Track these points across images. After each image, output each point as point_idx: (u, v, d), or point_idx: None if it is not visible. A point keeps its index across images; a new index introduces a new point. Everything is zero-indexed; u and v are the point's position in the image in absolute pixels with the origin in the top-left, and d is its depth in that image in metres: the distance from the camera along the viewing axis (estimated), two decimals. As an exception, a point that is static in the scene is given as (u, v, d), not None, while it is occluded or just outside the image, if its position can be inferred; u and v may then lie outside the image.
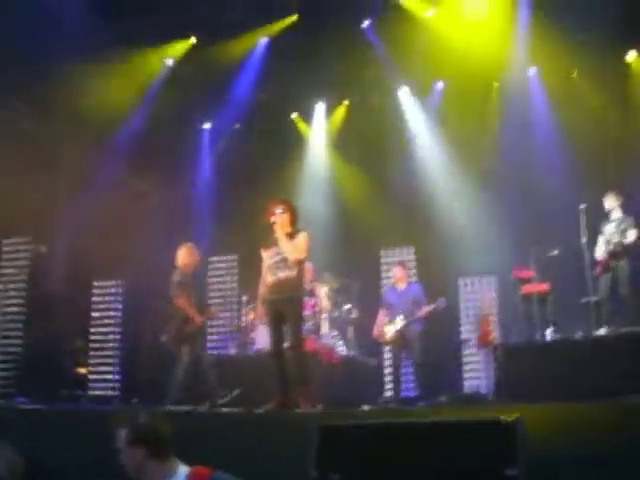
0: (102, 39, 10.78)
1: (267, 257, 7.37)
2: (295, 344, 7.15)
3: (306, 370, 7.22)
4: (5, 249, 11.85)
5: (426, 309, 9.67)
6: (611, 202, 9.45)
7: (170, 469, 3.85)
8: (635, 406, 5.35)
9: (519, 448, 3.34)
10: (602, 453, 4.38)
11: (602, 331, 8.77)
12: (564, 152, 11.62)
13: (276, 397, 6.97)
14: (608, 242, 9.27)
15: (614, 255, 9.16)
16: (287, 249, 7.16)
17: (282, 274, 7.18)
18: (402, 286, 10.08)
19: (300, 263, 7.23)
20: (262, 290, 7.43)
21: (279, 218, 7.24)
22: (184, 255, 8.96)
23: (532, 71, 12.23)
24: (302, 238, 7.24)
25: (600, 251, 9.36)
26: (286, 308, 7.15)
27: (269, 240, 7.36)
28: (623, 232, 9.21)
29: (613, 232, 9.32)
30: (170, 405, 8.24)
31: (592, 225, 9.52)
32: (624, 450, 4.35)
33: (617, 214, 9.41)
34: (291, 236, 7.24)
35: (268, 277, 7.30)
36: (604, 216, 9.52)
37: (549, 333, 9.29)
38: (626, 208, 9.43)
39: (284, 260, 7.19)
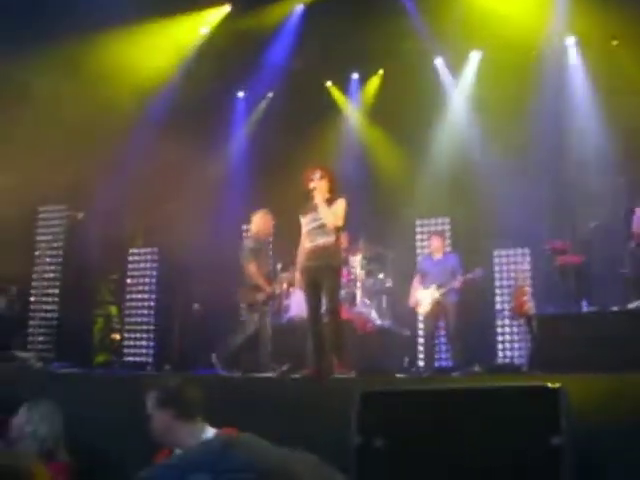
0: (136, 6, 10.75)
1: (305, 223, 7.36)
2: (332, 311, 7.17)
3: (341, 337, 7.24)
4: (42, 216, 11.96)
5: (463, 279, 9.62)
6: None
7: (197, 432, 3.90)
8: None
9: (564, 416, 3.32)
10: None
11: (637, 303, 8.69)
12: (603, 123, 11.47)
13: (312, 364, 7.01)
14: None
15: None
16: (325, 215, 7.16)
17: (321, 240, 7.18)
18: (439, 256, 10.02)
19: (338, 230, 7.22)
20: (300, 257, 7.43)
21: (317, 184, 7.24)
22: (259, 221, 8.96)
23: (571, 40, 12.02)
24: (340, 204, 7.22)
25: (637, 223, 9.25)
26: (323, 275, 7.15)
27: (306, 206, 7.36)
28: None
29: None
30: (218, 365, 8.28)
31: (631, 198, 9.42)
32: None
33: None
34: (329, 202, 7.23)
35: (306, 243, 7.30)
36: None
37: (584, 305, 9.23)
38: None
39: (322, 226, 7.18)
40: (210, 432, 3.95)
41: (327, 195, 7.28)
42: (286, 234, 9.58)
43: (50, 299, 11.62)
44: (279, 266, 11.32)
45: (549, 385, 3.37)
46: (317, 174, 7.29)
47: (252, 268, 8.64)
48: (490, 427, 3.41)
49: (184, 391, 3.99)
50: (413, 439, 3.46)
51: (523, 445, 3.31)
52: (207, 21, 12.24)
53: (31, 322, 11.45)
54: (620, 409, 4.65)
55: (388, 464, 3.52)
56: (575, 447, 3.62)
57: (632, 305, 8.69)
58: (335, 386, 6.25)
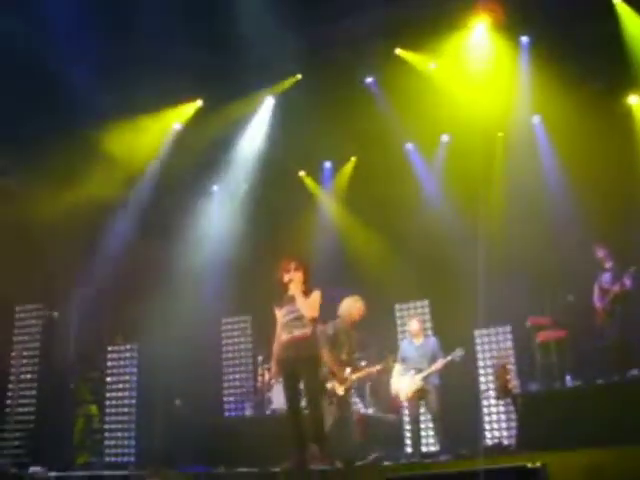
0: (108, 105, 10.91)
1: (281, 315, 7.37)
2: (312, 402, 7.09)
3: (322, 428, 7.14)
4: (18, 316, 11.85)
5: (444, 361, 9.56)
6: (599, 253, 9.65)
7: None
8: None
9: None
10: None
11: (634, 372, 8.75)
12: (574, 198, 11.63)
13: (293, 456, 6.87)
14: (606, 291, 9.36)
15: (614, 302, 9.24)
16: (303, 307, 7.18)
17: (298, 332, 7.18)
18: (419, 340, 9.96)
19: (314, 321, 7.25)
20: (276, 349, 7.39)
21: (293, 276, 7.29)
22: (350, 307, 8.73)
23: (536, 118, 12.29)
24: (315, 296, 7.28)
25: (597, 300, 9.50)
26: (302, 367, 7.11)
27: (282, 298, 7.39)
28: (618, 279, 9.36)
29: (609, 281, 9.47)
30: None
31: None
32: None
33: (609, 263, 9.58)
34: (305, 294, 7.26)
35: (283, 335, 7.29)
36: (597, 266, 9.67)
37: (569, 379, 9.19)
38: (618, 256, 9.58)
39: (299, 318, 7.20)
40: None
41: (303, 287, 7.31)
42: (265, 327, 9.57)
43: (27, 401, 11.40)
44: (260, 358, 11.27)
45: (529, 465, 3.33)
46: (292, 265, 7.34)
47: (325, 354, 8.19)
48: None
49: None
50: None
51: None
52: (180, 116, 12.39)
53: (7, 426, 11.20)
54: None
55: None
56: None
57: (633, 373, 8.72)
58: (318, 477, 6.12)
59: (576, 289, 9.82)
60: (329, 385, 8.32)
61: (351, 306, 8.77)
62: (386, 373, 9.43)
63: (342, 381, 8.40)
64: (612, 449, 5.75)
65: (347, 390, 8.46)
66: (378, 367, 8.98)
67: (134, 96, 10.96)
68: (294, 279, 7.28)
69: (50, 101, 10.21)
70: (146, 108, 11.59)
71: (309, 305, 7.18)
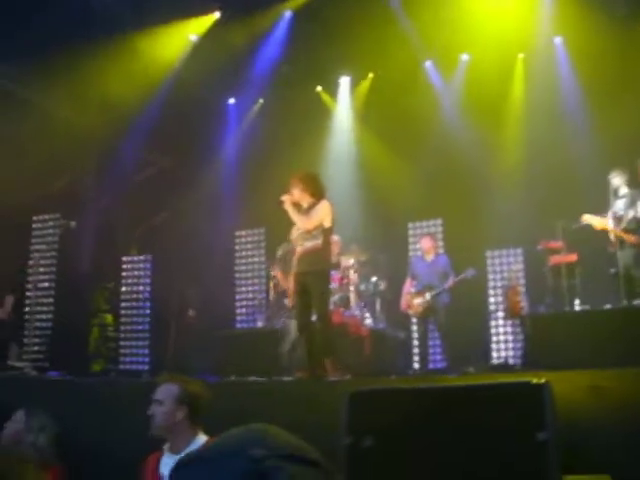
0: (126, 16, 10.81)
1: (295, 228, 7.41)
2: (321, 317, 7.19)
3: (333, 342, 7.25)
4: (35, 225, 11.97)
5: (455, 279, 9.65)
6: (616, 180, 9.52)
7: (193, 436, 3.96)
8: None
9: (548, 412, 3.34)
10: (632, 419, 4.40)
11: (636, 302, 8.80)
12: (591, 123, 11.53)
13: (305, 368, 7.03)
14: (620, 219, 9.30)
15: (628, 231, 9.20)
16: (297, 220, 7.24)
17: (308, 244, 7.20)
18: (430, 257, 10.05)
19: (326, 232, 7.21)
20: (293, 261, 7.47)
21: (295, 195, 7.28)
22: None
23: (558, 40, 12.09)
24: (321, 207, 7.24)
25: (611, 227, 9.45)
26: (311, 281, 7.16)
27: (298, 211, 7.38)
28: (633, 206, 9.27)
29: (623, 207, 9.38)
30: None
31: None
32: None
33: (624, 190, 9.47)
34: (311, 207, 7.26)
35: (297, 248, 7.35)
36: (612, 193, 9.58)
37: (577, 304, 9.28)
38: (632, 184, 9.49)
39: (308, 230, 7.21)
40: (202, 439, 4.01)
41: (309, 200, 7.30)
42: (278, 240, 9.66)
43: (45, 308, 11.60)
44: (272, 271, 11.37)
45: (533, 381, 3.40)
46: (294, 186, 7.33)
47: (278, 274, 9.05)
48: (476, 424, 3.44)
49: (202, 397, 4.05)
50: (401, 438, 3.49)
51: (509, 441, 3.34)
52: (196, 28, 12.25)
53: (26, 332, 11.44)
54: (611, 404, 4.71)
55: (377, 463, 3.55)
56: (562, 443, 3.66)
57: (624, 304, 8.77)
58: (327, 388, 6.28)
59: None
60: (285, 302, 8.77)
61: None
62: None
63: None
64: (614, 370, 5.87)
65: None
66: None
67: (152, 7, 10.86)
68: (292, 197, 7.28)
69: (65, 11, 10.10)
70: (163, 18, 11.48)
71: (305, 218, 7.19)
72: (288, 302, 8.61)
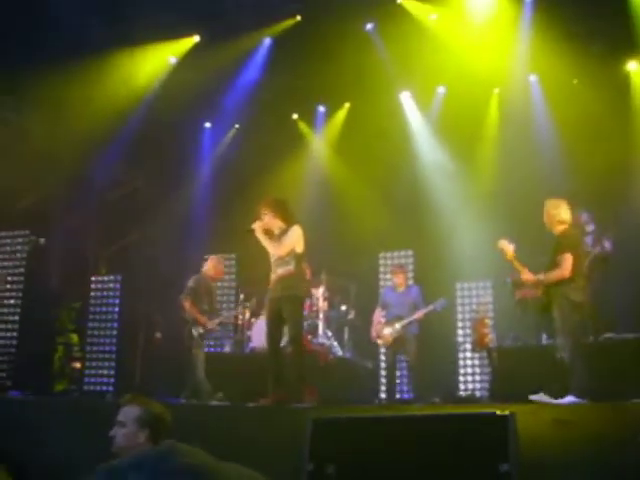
0: (105, 37, 10.80)
1: (271, 255, 7.42)
2: (294, 341, 7.19)
3: (303, 367, 7.24)
4: (3, 242, 11.85)
5: (425, 310, 9.68)
6: (582, 217, 9.70)
7: None
8: (629, 408, 5.39)
9: (512, 443, 3.35)
10: (594, 453, 4.41)
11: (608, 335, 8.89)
12: (563, 160, 11.67)
13: (271, 394, 6.99)
14: (586, 254, 9.43)
15: (593, 264, 9.33)
16: (270, 248, 7.29)
17: (280, 270, 7.25)
18: (402, 289, 10.07)
19: (297, 258, 7.24)
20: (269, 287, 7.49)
21: (266, 221, 7.37)
22: (212, 265, 9.58)
23: (533, 78, 12.25)
24: (291, 232, 7.29)
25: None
26: (285, 305, 7.18)
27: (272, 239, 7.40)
28: (598, 242, 9.44)
29: (590, 244, 9.54)
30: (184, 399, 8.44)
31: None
32: (615, 450, 4.38)
33: (591, 227, 9.63)
34: (283, 233, 7.31)
35: (271, 274, 7.37)
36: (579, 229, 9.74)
37: (544, 338, 9.32)
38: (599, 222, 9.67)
39: (280, 257, 7.25)
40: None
41: (281, 226, 7.37)
42: (249, 266, 9.65)
43: (10, 326, 11.46)
44: (241, 297, 11.35)
45: (497, 412, 3.41)
46: (264, 211, 7.41)
47: (187, 304, 9.22)
48: (440, 453, 3.44)
49: (164, 419, 4.02)
50: (364, 465, 3.48)
51: (472, 471, 3.34)
52: (176, 51, 12.27)
53: (-11, 349, 11.30)
54: (574, 437, 4.72)
55: (339, 491, 3.53)
56: (525, 475, 3.65)
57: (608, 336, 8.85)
58: (290, 415, 6.24)
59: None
60: (194, 331, 9.14)
61: (215, 265, 9.55)
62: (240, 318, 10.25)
63: (204, 326, 9.18)
64: (579, 405, 5.91)
65: (204, 334, 9.29)
66: (232, 314, 9.73)
67: (131, 29, 10.87)
68: (263, 224, 7.34)
69: (45, 31, 10.10)
70: (142, 41, 11.49)
71: (278, 244, 7.23)
72: (195, 332, 9.09)
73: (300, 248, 7.26)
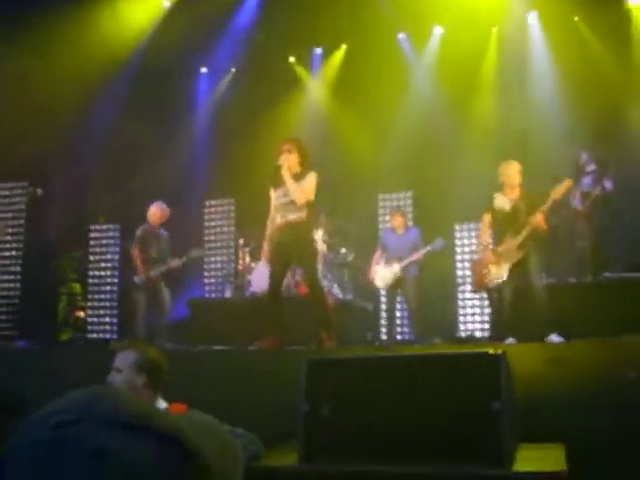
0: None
1: (275, 197, 7.28)
2: (314, 286, 7.19)
3: (328, 311, 7.25)
4: (2, 193, 11.84)
5: (423, 251, 9.67)
6: (584, 156, 9.69)
7: (152, 403, 3.95)
8: (626, 343, 5.44)
9: (504, 382, 3.38)
10: (590, 388, 4.47)
11: (607, 274, 8.94)
12: (565, 97, 11.59)
13: (269, 337, 6.99)
14: (587, 194, 9.43)
15: (594, 204, 9.33)
16: (293, 191, 7.04)
17: (292, 216, 7.09)
18: (401, 231, 10.05)
19: (309, 205, 7.12)
20: (271, 229, 7.37)
21: (286, 158, 7.13)
22: (153, 211, 9.51)
23: (532, 15, 12.10)
24: (310, 179, 7.12)
25: (578, 202, 9.57)
26: (299, 250, 7.10)
27: (277, 179, 7.24)
28: (599, 183, 9.42)
29: (591, 184, 9.53)
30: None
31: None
32: (607, 387, 4.43)
33: (591, 167, 9.62)
34: (299, 176, 7.13)
35: (277, 218, 7.21)
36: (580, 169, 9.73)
37: (543, 277, 9.34)
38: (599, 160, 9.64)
39: (293, 201, 7.07)
40: (162, 406, 4.00)
41: (297, 169, 7.18)
42: (248, 210, 9.62)
43: (12, 277, 11.51)
44: (241, 241, 11.35)
45: (490, 351, 3.44)
46: (286, 147, 7.18)
47: (134, 253, 9.41)
48: (433, 392, 3.48)
49: (161, 364, 4.04)
50: (358, 405, 3.52)
51: (464, 409, 3.38)
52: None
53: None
54: (570, 375, 4.77)
55: (334, 430, 3.57)
56: (520, 412, 3.70)
57: (608, 275, 8.91)
58: (289, 357, 6.30)
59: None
60: (135, 278, 9.28)
61: (155, 211, 9.46)
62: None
63: (144, 273, 9.21)
64: (573, 343, 5.97)
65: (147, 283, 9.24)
66: (178, 261, 9.36)
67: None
68: (287, 161, 7.12)
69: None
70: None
71: (300, 189, 7.04)
72: (137, 279, 9.21)
73: (313, 196, 7.16)
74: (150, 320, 9.18)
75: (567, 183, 7.59)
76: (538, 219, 7.42)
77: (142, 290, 9.23)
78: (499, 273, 7.54)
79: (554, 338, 6.67)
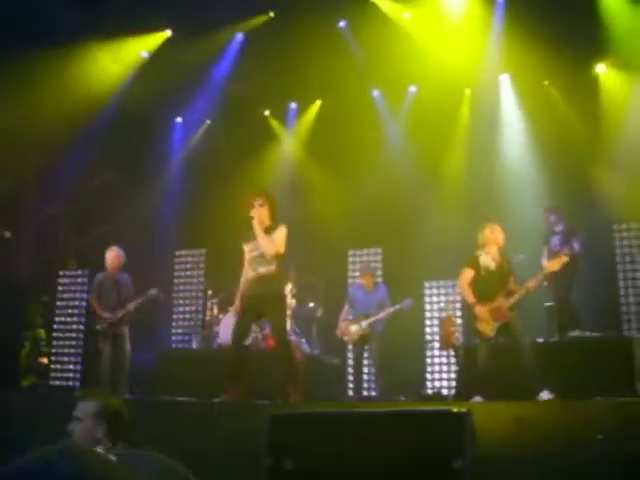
0: (78, 28, 10.72)
1: (247, 251, 7.27)
2: (282, 341, 7.17)
3: (296, 366, 7.22)
4: (-31, 235, 11.72)
5: (391, 309, 9.71)
6: (551, 216, 9.86)
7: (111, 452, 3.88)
8: (591, 405, 5.45)
9: (467, 440, 3.38)
10: (552, 450, 4.47)
11: (575, 333, 9.00)
12: (534, 158, 11.80)
13: (233, 388, 6.94)
14: (555, 254, 9.53)
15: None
16: (264, 244, 7.06)
17: (262, 269, 7.11)
18: (369, 289, 10.05)
19: (279, 258, 7.13)
20: (243, 284, 7.35)
21: (257, 212, 7.14)
22: (108, 259, 9.48)
23: (504, 78, 12.35)
24: (280, 232, 7.14)
25: (546, 262, 9.66)
26: (269, 305, 7.09)
27: (248, 234, 7.23)
28: (568, 243, 9.56)
29: (559, 244, 9.66)
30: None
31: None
32: (571, 449, 4.44)
33: (560, 227, 9.77)
34: (270, 230, 7.15)
35: (249, 272, 7.21)
36: (549, 230, 9.88)
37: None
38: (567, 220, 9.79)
39: (263, 255, 7.09)
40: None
41: (268, 222, 7.20)
42: (218, 261, 9.59)
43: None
44: (209, 292, 11.31)
45: (454, 410, 3.44)
46: (258, 201, 7.19)
47: (91, 301, 9.49)
48: (397, 449, 3.46)
49: (122, 413, 3.98)
50: (321, 460, 3.49)
51: (427, 467, 3.36)
52: (148, 45, 12.23)
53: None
54: (526, 436, 4.78)
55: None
56: (480, 471, 3.68)
57: (573, 334, 8.96)
58: (256, 409, 6.25)
59: (527, 249, 9.97)
60: (98, 326, 9.15)
61: (111, 257, 9.45)
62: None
63: (104, 319, 9.10)
64: (540, 402, 5.98)
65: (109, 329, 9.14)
66: (136, 302, 9.29)
67: (103, 21, 10.81)
68: (258, 215, 7.12)
69: (18, 15, 10.00)
70: (115, 34, 11.44)
71: (270, 242, 7.05)
72: (99, 326, 9.12)
73: (283, 249, 7.17)
74: (113, 368, 9.04)
75: (563, 259, 7.76)
76: (532, 284, 7.53)
77: (105, 337, 9.11)
78: (487, 331, 7.56)
79: (545, 395, 6.69)
